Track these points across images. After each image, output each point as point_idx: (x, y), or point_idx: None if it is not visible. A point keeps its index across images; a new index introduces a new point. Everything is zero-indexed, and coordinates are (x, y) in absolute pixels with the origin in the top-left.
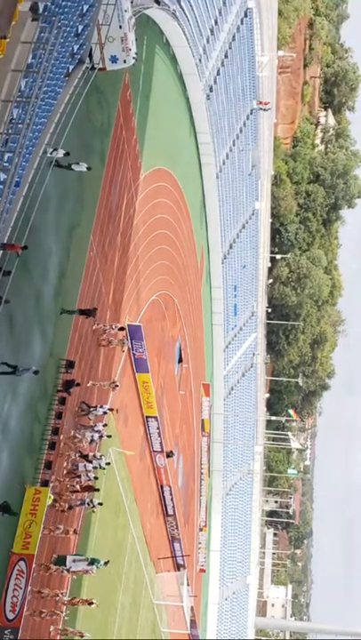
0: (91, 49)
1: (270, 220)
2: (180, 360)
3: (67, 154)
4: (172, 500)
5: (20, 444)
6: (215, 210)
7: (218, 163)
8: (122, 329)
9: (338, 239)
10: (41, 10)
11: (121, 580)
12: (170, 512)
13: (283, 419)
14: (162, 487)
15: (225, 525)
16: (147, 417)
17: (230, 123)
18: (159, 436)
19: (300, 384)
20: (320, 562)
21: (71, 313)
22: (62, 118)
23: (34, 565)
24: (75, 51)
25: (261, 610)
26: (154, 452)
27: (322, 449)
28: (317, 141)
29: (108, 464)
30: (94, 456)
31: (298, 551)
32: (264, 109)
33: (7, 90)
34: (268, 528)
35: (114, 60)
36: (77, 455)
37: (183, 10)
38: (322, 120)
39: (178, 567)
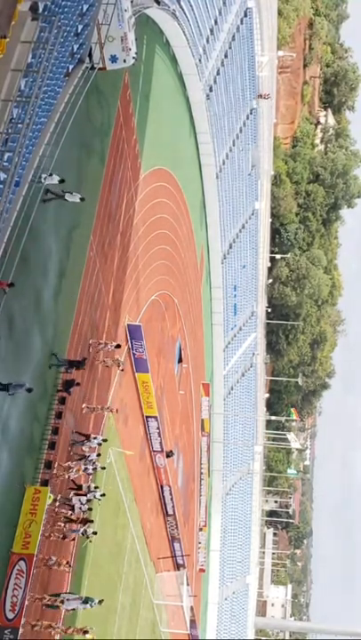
0: (90, 48)
1: (270, 220)
2: (180, 360)
3: (61, 181)
4: (171, 499)
5: (19, 444)
6: (215, 210)
7: (218, 163)
8: (118, 346)
9: (338, 239)
10: (41, 9)
11: (121, 580)
12: (170, 512)
13: (283, 418)
14: (162, 487)
15: (225, 525)
16: (147, 417)
17: (230, 123)
18: (159, 435)
19: (300, 384)
20: (320, 562)
21: (59, 365)
22: (62, 118)
23: (27, 598)
24: (74, 50)
25: (261, 610)
26: (154, 451)
27: (322, 449)
28: (317, 141)
29: (104, 495)
30: (88, 487)
31: (298, 551)
32: (265, 98)
33: (7, 89)
34: (268, 528)
35: (114, 59)
36: (70, 487)
37: (183, 10)
38: (322, 120)
39: (178, 567)
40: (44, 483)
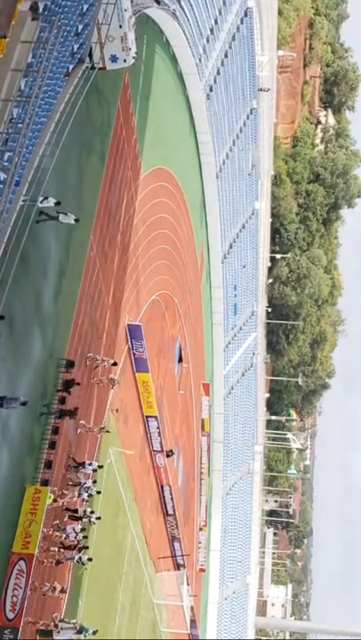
0: (91, 48)
1: (270, 220)
2: (180, 360)
3: (57, 203)
4: (171, 499)
5: (19, 444)
6: (215, 209)
7: (218, 162)
8: (115, 364)
9: (338, 239)
10: (41, 9)
11: (121, 580)
12: (170, 511)
13: (283, 418)
14: (162, 487)
15: (225, 525)
16: (147, 416)
17: (230, 122)
18: (159, 435)
19: (300, 384)
20: (320, 561)
21: (49, 414)
22: (62, 118)
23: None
24: (75, 50)
25: (261, 609)
26: (154, 451)
27: (322, 449)
28: (317, 141)
29: (99, 518)
30: (84, 512)
31: (298, 551)
32: (265, 91)
33: (7, 89)
34: (268, 528)
35: (114, 59)
36: (66, 512)
37: (183, 9)
38: (322, 120)
39: (178, 566)
40: (44, 482)
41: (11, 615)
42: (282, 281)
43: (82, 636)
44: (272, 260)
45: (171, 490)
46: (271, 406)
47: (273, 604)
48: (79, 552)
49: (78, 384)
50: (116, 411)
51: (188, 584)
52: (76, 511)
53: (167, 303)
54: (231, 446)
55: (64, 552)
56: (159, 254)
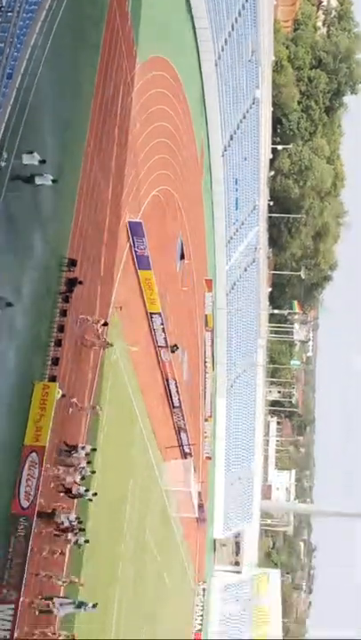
0: None
1: (271, 110)
2: (182, 256)
3: (42, 161)
4: (177, 392)
5: (26, 342)
6: (214, 99)
7: (216, 49)
8: (105, 324)
9: (341, 127)
10: None
11: (132, 474)
12: (176, 404)
13: (285, 312)
14: (167, 380)
15: (230, 415)
16: (150, 313)
17: (229, 5)
18: (163, 331)
19: (303, 277)
20: (322, 447)
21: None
22: (53, 5)
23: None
24: None
25: (266, 493)
26: (158, 347)
27: (323, 340)
28: (319, 24)
29: (95, 494)
30: (78, 491)
31: (301, 438)
32: None
33: None
34: (272, 417)
35: None
36: (59, 491)
37: None
38: (324, 1)
39: (185, 455)
40: (52, 378)
41: (25, 504)
42: (284, 173)
43: (81, 611)
44: (274, 151)
45: (176, 383)
46: (274, 300)
47: (278, 489)
48: (75, 535)
49: (81, 282)
50: (120, 308)
51: (195, 471)
52: (70, 490)
53: (168, 199)
54: (235, 340)
55: (61, 538)
56: (158, 148)
